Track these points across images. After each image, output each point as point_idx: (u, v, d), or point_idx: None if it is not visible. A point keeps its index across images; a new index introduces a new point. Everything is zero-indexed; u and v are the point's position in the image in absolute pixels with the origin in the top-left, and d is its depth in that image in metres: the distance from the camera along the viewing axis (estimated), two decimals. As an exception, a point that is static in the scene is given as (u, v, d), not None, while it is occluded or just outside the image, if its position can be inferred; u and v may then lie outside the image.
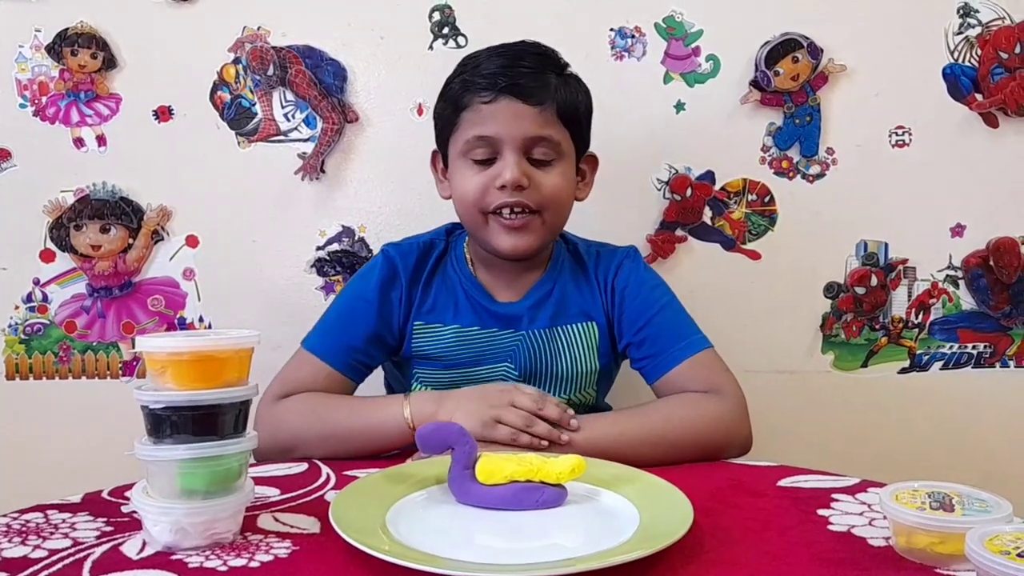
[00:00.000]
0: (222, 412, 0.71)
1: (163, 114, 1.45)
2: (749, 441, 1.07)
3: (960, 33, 1.47)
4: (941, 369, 1.55)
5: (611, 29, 1.46)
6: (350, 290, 1.19)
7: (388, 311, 1.14)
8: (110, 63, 1.43)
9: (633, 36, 1.46)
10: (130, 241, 1.46)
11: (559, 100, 1.09)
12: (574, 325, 1.17)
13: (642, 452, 0.97)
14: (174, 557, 0.68)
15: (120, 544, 0.71)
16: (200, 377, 0.71)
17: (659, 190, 1.50)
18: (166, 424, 0.70)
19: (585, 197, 1.20)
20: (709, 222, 1.50)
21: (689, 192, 1.49)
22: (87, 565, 0.67)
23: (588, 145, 1.18)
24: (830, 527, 0.75)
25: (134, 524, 0.75)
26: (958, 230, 1.51)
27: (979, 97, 1.48)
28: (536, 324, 1.15)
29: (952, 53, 1.48)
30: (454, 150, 1.12)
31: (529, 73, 1.08)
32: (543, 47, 1.14)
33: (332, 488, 0.86)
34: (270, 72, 1.44)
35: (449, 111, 1.12)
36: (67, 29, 1.42)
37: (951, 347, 1.54)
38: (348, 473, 0.91)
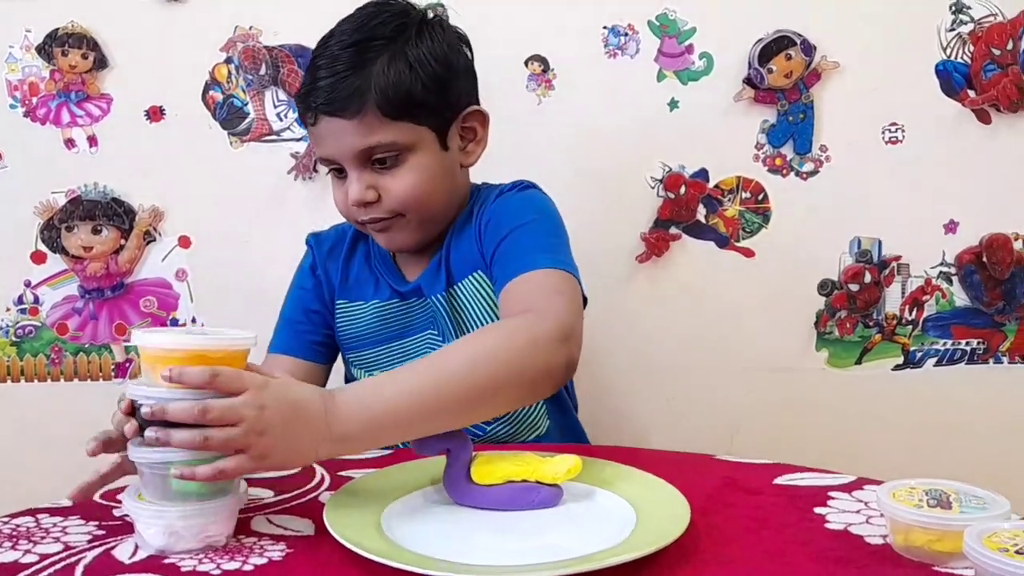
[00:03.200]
0: (215, 414, 0.71)
1: (155, 114, 1.44)
2: (567, 366, 0.87)
3: (952, 30, 1.47)
4: (935, 366, 1.55)
5: (604, 27, 1.45)
6: (290, 286, 1.22)
7: (319, 291, 1.17)
8: (101, 63, 1.42)
9: (626, 34, 1.46)
10: (122, 242, 1.45)
11: (379, 98, 0.98)
12: (464, 281, 1.09)
13: (424, 425, 0.78)
14: (167, 561, 0.68)
15: (112, 548, 0.71)
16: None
17: (653, 188, 1.49)
18: (158, 425, 0.69)
19: (475, 160, 1.09)
20: (703, 220, 1.50)
21: (683, 190, 1.49)
22: (79, 570, 0.66)
23: (461, 105, 1.06)
24: (827, 525, 0.75)
25: (126, 528, 0.74)
26: (951, 226, 1.52)
27: (972, 94, 1.48)
28: (435, 290, 1.10)
29: (945, 50, 1.48)
30: None
31: (338, 80, 0.98)
32: (363, 23, 1.03)
33: (326, 489, 0.86)
34: (262, 71, 1.44)
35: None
36: (57, 29, 1.41)
37: (945, 344, 1.54)
38: (342, 474, 0.90)
